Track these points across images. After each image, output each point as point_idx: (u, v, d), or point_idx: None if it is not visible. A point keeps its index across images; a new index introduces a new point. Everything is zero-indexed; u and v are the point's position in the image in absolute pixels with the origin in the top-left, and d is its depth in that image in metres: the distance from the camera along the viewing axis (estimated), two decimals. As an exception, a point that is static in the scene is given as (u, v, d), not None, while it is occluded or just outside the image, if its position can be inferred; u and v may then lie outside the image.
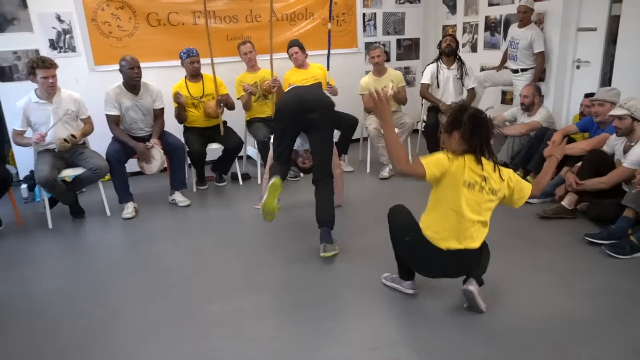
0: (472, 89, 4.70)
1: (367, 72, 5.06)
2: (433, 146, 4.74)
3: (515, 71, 4.82)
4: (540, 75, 4.73)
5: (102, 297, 2.71)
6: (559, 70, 4.72)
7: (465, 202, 2.16)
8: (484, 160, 2.16)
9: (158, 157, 3.94)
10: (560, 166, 3.69)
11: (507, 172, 2.25)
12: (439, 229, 2.23)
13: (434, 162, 2.16)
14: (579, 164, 3.52)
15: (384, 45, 5.88)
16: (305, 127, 3.18)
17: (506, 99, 5.46)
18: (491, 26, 5.47)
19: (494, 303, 2.44)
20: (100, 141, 4.06)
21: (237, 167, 4.68)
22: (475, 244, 2.24)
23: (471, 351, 2.08)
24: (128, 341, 2.27)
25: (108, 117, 3.94)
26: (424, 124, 4.94)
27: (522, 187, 2.29)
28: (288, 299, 2.60)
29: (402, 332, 2.24)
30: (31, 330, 2.41)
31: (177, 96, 4.18)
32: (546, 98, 4.83)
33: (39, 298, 2.74)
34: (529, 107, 4.19)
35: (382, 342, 2.17)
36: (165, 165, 4.07)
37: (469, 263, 2.29)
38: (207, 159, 4.42)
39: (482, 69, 5.51)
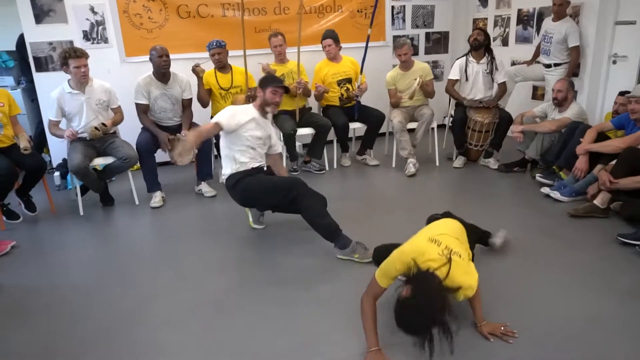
0: (503, 83, 4.60)
1: (394, 66, 5.02)
2: (460, 141, 4.67)
3: (548, 66, 4.70)
4: (574, 70, 4.60)
5: (130, 284, 2.77)
6: (594, 65, 4.58)
7: None
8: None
9: (189, 148, 3.98)
10: (594, 164, 3.59)
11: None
12: None
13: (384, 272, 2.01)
14: (613, 162, 3.42)
15: (412, 38, 5.81)
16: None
17: (537, 94, 5.33)
18: (524, 19, 5.34)
19: (523, 303, 2.40)
20: (130, 131, 4.15)
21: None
22: None
23: (497, 352, 2.05)
24: (156, 330, 2.32)
25: (137, 105, 4.02)
26: (451, 118, 4.86)
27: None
28: (313, 288, 2.61)
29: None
30: (62, 316, 2.48)
31: (194, 66, 4.21)
32: (579, 94, 4.70)
33: (70, 284, 2.82)
34: (561, 102, 4.08)
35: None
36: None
37: None
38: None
39: (513, 64, 5.39)
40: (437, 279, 1.79)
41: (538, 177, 4.04)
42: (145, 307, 2.51)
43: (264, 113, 3.23)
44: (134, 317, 2.42)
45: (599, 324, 2.21)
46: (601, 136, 3.70)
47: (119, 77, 4.55)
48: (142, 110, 4.04)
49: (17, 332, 2.34)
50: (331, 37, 4.68)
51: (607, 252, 2.88)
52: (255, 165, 3.19)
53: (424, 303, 1.69)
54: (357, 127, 4.92)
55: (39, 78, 4.58)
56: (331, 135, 4.71)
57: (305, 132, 4.64)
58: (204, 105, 4.43)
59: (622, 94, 3.93)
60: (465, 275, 1.88)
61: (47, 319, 2.45)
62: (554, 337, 2.12)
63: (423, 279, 1.78)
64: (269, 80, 3.25)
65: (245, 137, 3.12)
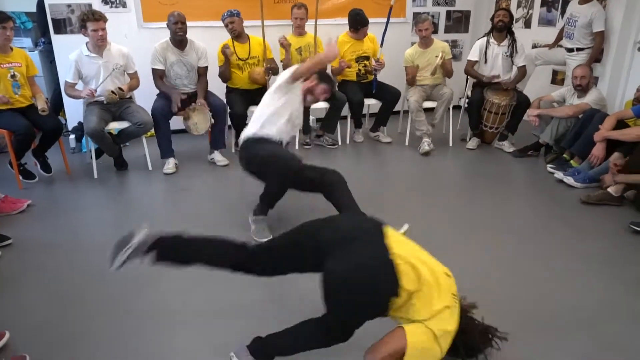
0: (523, 66, 4.53)
1: (412, 44, 4.95)
2: (475, 123, 4.63)
3: (570, 50, 4.60)
4: (597, 56, 4.50)
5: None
6: (618, 51, 4.47)
7: None
8: None
9: (206, 119, 4.00)
10: (610, 152, 3.55)
11: None
12: None
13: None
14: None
15: (432, 16, 5.70)
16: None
17: (557, 79, 5.24)
18: (549, 1, 5.21)
19: (531, 286, 2.41)
20: (146, 97, 4.16)
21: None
22: None
23: (509, 336, 2.07)
24: (169, 293, 2.36)
25: (153, 70, 4.03)
26: (467, 99, 4.81)
27: None
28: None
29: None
30: (81, 274, 2.53)
31: (224, 48, 4.18)
32: (601, 80, 4.61)
33: (84, 243, 2.88)
34: (584, 89, 4.01)
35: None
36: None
37: None
38: (247, 121, 4.46)
39: (535, 46, 5.28)
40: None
41: (549, 167, 4.00)
42: (156, 269, 2.55)
43: (302, 98, 3.11)
44: (149, 280, 2.44)
45: (608, 311, 2.21)
46: (620, 124, 3.65)
47: (136, 43, 4.53)
48: (159, 76, 4.05)
49: (31, 286, 2.41)
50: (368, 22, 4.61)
51: (618, 240, 2.88)
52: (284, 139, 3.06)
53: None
54: (371, 104, 4.89)
55: (57, 40, 4.58)
56: (345, 110, 4.69)
57: (319, 106, 4.60)
58: (225, 80, 4.42)
59: (644, 82, 3.86)
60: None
61: (61, 274, 2.52)
62: (561, 322, 2.14)
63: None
64: (329, 80, 3.12)
65: (294, 107, 3.05)
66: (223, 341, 1.96)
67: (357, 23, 4.57)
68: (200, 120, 3.99)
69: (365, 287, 1.57)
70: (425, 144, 4.47)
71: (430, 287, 1.60)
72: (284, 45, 4.43)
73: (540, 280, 2.47)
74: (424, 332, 1.55)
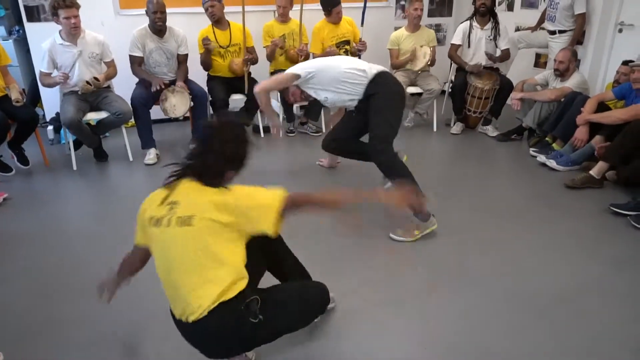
0: (507, 49, 4.52)
1: (396, 28, 4.90)
2: (459, 108, 4.62)
3: (553, 32, 4.59)
4: (578, 38, 4.50)
5: (124, 236, 2.76)
6: (600, 33, 4.47)
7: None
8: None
9: (185, 101, 3.92)
10: (593, 134, 3.57)
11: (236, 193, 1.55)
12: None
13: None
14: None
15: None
16: None
17: (540, 62, 5.24)
18: (531, -16, 5.19)
19: (512, 265, 2.44)
20: (124, 86, 4.07)
21: (259, 119, 4.66)
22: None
23: (492, 313, 2.09)
24: (149, 278, 2.32)
25: (131, 57, 3.95)
26: (451, 84, 4.79)
27: (257, 217, 1.53)
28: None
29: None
30: (59, 263, 2.50)
31: (205, 41, 4.09)
32: (582, 62, 4.62)
33: (66, 235, 2.83)
34: (563, 73, 4.02)
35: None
36: (188, 113, 4.07)
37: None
38: (230, 109, 4.40)
39: (517, 29, 5.26)
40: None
41: (532, 151, 4.02)
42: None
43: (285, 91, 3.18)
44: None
45: (587, 289, 2.25)
46: (602, 106, 3.67)
47: (113, 30, 4.42)
48: (137, 63, 3.96)
49: (13, 278, 2.37)
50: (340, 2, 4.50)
51: (600, 221, 2.91)
52: None
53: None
54: (355, 90, 4.84)
55: (31, 28, 4.45)
56: (329, 97, 4.64)
57: (302, 94, 4.56)
58: (207, 69, 4.33)
59: (625, 63, 3.86)
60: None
61: (41, 265, 2.49)
62: (542, 299, 2.17)
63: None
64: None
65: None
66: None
67: (328, 4, 4.46)
68: (179, 102, 3.90)
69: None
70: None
71: None
72: (280, 45, 4.39)
73: (522, 260, 2.50)
74: None
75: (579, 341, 1.91)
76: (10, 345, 1.88)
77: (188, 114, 4.13)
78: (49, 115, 4.71)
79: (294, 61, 4.46)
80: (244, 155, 1.62)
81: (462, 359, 1.83)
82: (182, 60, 4.09)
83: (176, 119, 4.30)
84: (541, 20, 4.82)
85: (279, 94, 4.46)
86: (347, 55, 4.66)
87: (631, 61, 3.61)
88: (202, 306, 1.43)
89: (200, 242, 1.46)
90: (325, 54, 4.48)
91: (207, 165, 1.55)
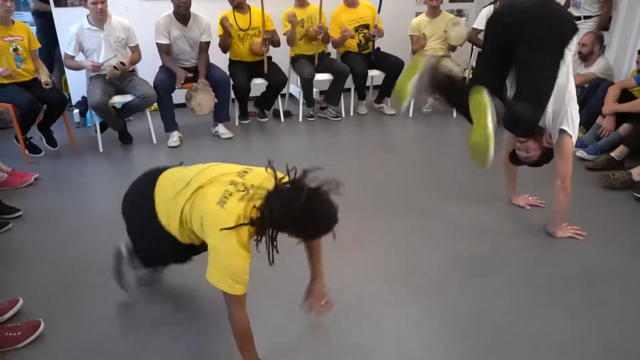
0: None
1: (417, 14, 4.88)
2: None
3: (578, 18, 4.50)
4: (604, 24, 4.42)
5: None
6: (627, 19, 4.39)
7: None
8: None
9: (209, 98, 3.97)
10: (619, 122, 3.54)
11: None
12: None
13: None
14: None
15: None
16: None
17: (564, 48, 5.16)
18: (556, -32, 5.08)
19: (534, 250, 2.46)
20: (147, 70, 4.14)
21: (280, 104, 4.70)
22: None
23: (508, 295, 2.11)
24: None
25: (159, 45, 4.00)
26: (472, 70, 4.76)
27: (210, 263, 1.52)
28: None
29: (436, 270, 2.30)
30: (88, 244, 2.58)
31: (224, 20, 4.13)
32: (608, 49, 4.54)
33: (93, 216, 2.91)
34: (586, 57, 3.98)
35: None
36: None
37: None
38: (250, 94, 4.45)
39: (541, 15, 5.18)
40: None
41: None
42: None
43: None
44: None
45: (606, 275, 2.25)
46: (624, 93, 3.62)
47: (137, 16, 4.49)
48: (164, 51, 4.01)
49: (41, 255, 2.47)
50: None
51: (621, 207, 2.90)
52: None
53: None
54: (375, 75, 4.85)
55: (58, 13, 4.54)
56: (348, 83, 4.66)
57: (323, 78, 4.59)
58: (225, 51, 4.38)
59: (641, 52, 3.81)
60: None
61: (68, 243, 2.57)
62: (561, 283, 2.19)
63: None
64: None
65: None
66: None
67: None
68: (204, 100, 3.96)
69: None
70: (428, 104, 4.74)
71: None
72: (293, 22, 4.38)
73: (541, 242, 2.52)
74: None
75: (595, 327, 1.92)
76: (47, 315, 1.97)
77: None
78: (75, 99, 4.82)
79: (313, 39, 4.48)
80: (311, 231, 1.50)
81: (477, 340, 1.86)
82: (204, 48, 4.13)
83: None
84: (566, 5, 4.73)
85: (299, 78, 4.49)
86: (362, 39, 4.66)
87: (649, 49, 3.56)
88: None
89: None
90: (342, 35, 4.49)
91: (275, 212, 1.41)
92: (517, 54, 2.10)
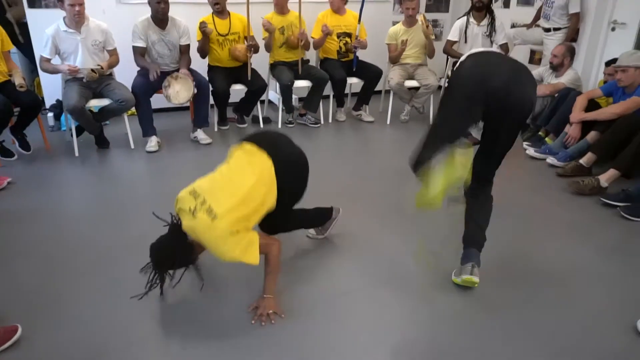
0: (505, 44, 4.62)
1: (394, 23, 4.98)
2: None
3: (547, 30, 4.69)
4: (572, 36, 4.61)
5: (125, 221, 2.83)
6: (593, 31, 4.58)
7: None
8: None
9: (188, 87, 3.92)
10: (586, 131, 3.67)
11: None
12: None
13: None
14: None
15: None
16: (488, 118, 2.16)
17: (535, 58, 5.34)
18: (527, -18, 5.28)
19: (510, 249, 2.55)
20: (126, 74, 4.10)
21: (259, 110, 4.71)
22: None
23: (483, 293, 2.19)
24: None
25: (134, 48, 3.97)
26: (447, 79, 4.87)
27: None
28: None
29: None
30: (62, 244, 2.56)
31: (202, 25, 4.11)
32: (576, 60, 4.71)
33: (67, 218, 2.88)
34: (557, 68, 4.13)
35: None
36: (189, 103, 4.10)
37: None
38: (230, 100, 4.45)
39: (513, 26, 5.36)
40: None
41: (525, 144, 4.11)
42: (141, 241, 2.56)
43: None
44: (130, 249, 2.47)
45: (575, 273, 2.37)
46: (591, 103, 3.77)
47: (114, 19, 4.43)
48: (140, 53, 3.98)
49: (16, 256, 2.43)
50: None
51: (590, 211, 3.02)
52: None
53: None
54: (353, 83, 4.92)
55: (32, 15, 4.46)
56: (327, 89, 4.71)
57: (302, 85, 4.63)
58: (203, 56, 4.37)
59: (607, 63, 3.99)
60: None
61: (44, 244, 2.55)
62: (534, 280, 2.29)
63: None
64: None
65: None
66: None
67: None
68: (182, 89, 3.90)
69: None
70: (406, 112, 4.84)
71: None
72: (269, 29, 4.41)
73: (514, 242, 2.63)
74: None
75: (568, 320, 2.01)
76: (24, 318, 1.93)
77: (189, 104, 4.16)
78: (49, 102, 4.72)
79: (294, 48, 4.52)
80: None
81: (453, 332, 1.92)
82: (184, 50, 4.12)
83: (177, 108, 4.33)
84: (536, 17, 4.92)
85: (277, 84, 4.52)
86: (344, 47, 4.74)
87: (613, 60, 3.73)
88: None
89: None
90: (322, 31, 4.54)
91: None
92: (493, 130, 2.18)
